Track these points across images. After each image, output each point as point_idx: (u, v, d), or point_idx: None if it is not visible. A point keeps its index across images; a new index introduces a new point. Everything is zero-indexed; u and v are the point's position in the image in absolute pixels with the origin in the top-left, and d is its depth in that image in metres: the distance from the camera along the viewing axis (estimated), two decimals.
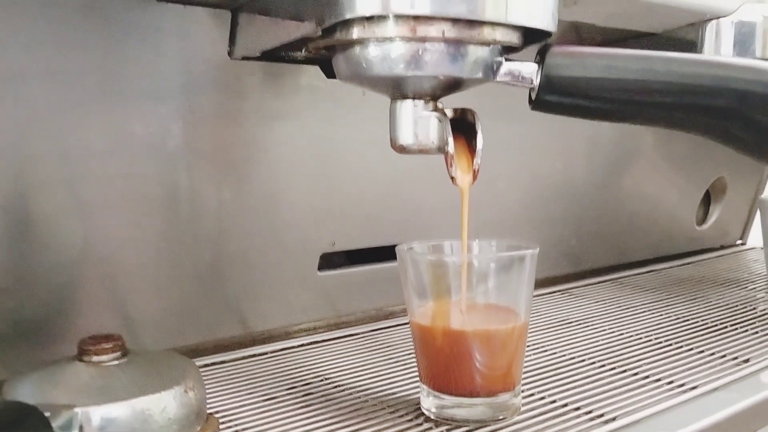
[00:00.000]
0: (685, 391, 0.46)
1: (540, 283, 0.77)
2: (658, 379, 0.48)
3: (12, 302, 0.45)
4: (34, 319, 0.46)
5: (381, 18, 0.38)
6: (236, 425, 0.42)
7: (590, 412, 0.43)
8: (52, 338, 0.47)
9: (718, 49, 0.59)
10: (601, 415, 0.42)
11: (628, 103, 0.44)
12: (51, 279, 0.47)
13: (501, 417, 0.42)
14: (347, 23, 0.39)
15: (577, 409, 0.43)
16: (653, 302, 0.71)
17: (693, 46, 0.60)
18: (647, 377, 0.49)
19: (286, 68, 0.51)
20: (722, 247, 0.98)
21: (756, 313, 0.66)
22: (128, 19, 0.43)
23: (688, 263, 0.91)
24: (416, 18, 0.38)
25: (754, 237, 1.00)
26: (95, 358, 0.37)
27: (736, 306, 0.69)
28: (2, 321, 0.45)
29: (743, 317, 0.64)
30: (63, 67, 0.42)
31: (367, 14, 0.37)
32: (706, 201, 0.95)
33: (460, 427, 0.41)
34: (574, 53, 0.44)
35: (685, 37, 0.61)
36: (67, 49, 0.42)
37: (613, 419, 0.42)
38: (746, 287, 0.77)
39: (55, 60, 0.42)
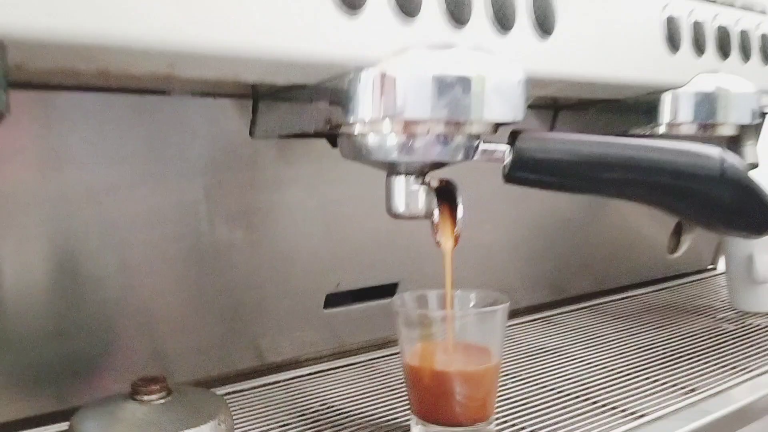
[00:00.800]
0: (634, 419, 0.54)
1: (524, 311, 0.86)
2: (614, 407, 0.57)
3: (67, 345, 0.54)
4: (86, 358, 0.55)
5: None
6: None
7: None
8: (100, 374, 0.56)
9: (676, 115, 0.68)
10: None
11: (585, 181, 0.53)
12: (99, 324, 0.55)
13: None
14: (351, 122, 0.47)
15: None
16: (622, 330, 0.80)
17: (654, 111, 0.69)
18: (605, 405, 0.57)
19: (297, 140, 0.60)
20: (696, 272, 1.06)
21: (710, 342, 0.74)
22: (168, 111, 0.52)
23: (662, 289, 0.99)
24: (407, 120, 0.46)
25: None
26: (146, 398, 0.46)
27: (695, 334, 0.77)
28: (59, 361, 0.54)
29: (698, 346, 0.73)
30: (114, 152, 0.51)
31: (367, 119, 0.45)
32: (680, 231, 1.03)
33: None
34: (540, 138, 0.52)
35: (647, 101, 0.69)
36: (118, 138, 0.51)
37: None
38: (709, 314, 0.86)
39: (107, 147, 0.51)
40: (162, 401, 0.46)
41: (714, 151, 0.51)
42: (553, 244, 0.90)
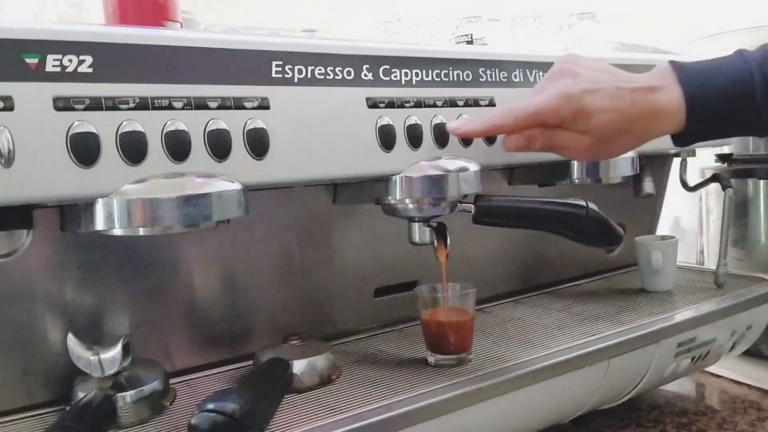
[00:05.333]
0: (543, 350, 0.99)
1: (501, 296, 1.30)
2: (539, 345, 1.01)
3: (235, 323, 1.00)
4: (242, 329, 1.01)
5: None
6: (344, 374, 0.96)
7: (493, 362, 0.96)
8: (250, 336, 1.01)
9: (582, 174, 1.12)
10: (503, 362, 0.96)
11: (515, 221, 0.98)
12: (248, 310, 1.01)
13: (462, 363, 0.95)
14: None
15: (496, 360, 0.97)
16: (566, 305, 1.23)
17: (568, 170, 1.13)
18: (534, 343, 1.02)
19: (358, 205, 1.05)
20: (623, 267, 1.50)
21: (622, 309, 1.18)
22: (293, 192, 0.98)
23: (601, 278, 1.43)
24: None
25: None
26: (292, 342, 0.92)
27: (614, 305, 1.21)
28: (229, 331, 1.00)
29: (614, 312, 1.17)
30: (261, 218, 0.97)
31: (397, 198, 0.90)
32: None
33: (443, 367, 0.94)
34: (491, 197, 0.97)
35: (564, 165, 1.14)
36: (264, 211, 0.97)
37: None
38: (628, 293, 1.29)
39: (258, 216, 0.97)
40: (300, 344, 0.92)
41: (582, 202, 0.96)
42: (522, 250, 1.33)
